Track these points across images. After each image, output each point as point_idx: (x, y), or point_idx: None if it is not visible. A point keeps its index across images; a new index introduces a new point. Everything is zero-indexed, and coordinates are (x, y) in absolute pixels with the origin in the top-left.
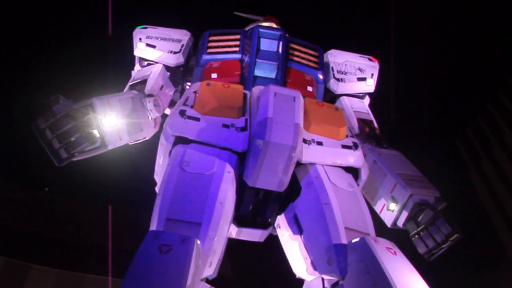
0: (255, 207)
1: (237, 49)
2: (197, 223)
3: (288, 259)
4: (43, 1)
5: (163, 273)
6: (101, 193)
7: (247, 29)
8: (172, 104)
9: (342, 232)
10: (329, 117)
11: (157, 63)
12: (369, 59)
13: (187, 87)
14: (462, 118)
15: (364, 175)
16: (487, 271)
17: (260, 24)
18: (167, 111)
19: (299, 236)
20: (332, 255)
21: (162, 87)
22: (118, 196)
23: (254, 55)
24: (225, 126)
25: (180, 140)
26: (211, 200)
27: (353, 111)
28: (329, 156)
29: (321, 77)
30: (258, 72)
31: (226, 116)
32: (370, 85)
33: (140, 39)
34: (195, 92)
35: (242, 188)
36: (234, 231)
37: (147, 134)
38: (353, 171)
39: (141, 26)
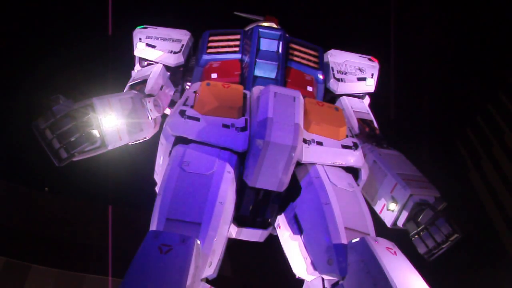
0: (255, 207)
1: (237, 49)
2: (197, 223)
3: (288, 259)
4: (43, 1)
5: (163, 273)
6: (101, 193)
7: (247, 29)
8: (172, 104)
9: (342, 232)
10: (329, 117)
11: (157, 63)
12: (369, 59)
13: (187, 87)
14: (462, 118)
15: (364, 175)
16: (487, 271)
17: (260, 24)
18: (167, 111)
19: (299, 236)
20: (332, 255)
21: (162, 87)
22: (118, 196)
23: (254, 55)
24: (225, 126)
25: (180, 140)
26: (211, 200)
27: (353, 111)
28: (329, 156)
29: (321, 77)
30: (258, 72)
31: (226, 116)
32: (370, 85)
33: (140, 39)
34: (195, 92)
35: (242, 188)
36: (234, 231)
37: (147, 134)
38: (353, 171)
39: (141, 26)
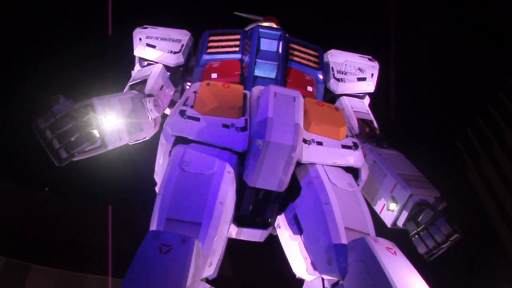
0: (255, 207)
1: (237, 49)
2: (197, 223)
3: (288, 259)
4: (43, 1)
5: (163, 273)
6: (101, 193)
7: (247, 29)
8: (172, 104)
9: (342, 232)
10: (329, 117)
11: (157, 63)
12: (369, 59)
13: (187, 87)
14: (462, 118)
15: (364, 175)
16: (487, 271)
17: (260, 24)
18: (167, 111)
19: (299, 236)
20: (332, 255)
21: (162, 87)
22: (118, 196)
23: (254, 55)
24: (225, 126)
25: (180, 140)
26: (211, 200)
27: (353, 111)
28: (329, 156)
29: (321, 77)
30: (258, 72)
31: (226, 116)
32: (370, 85)
33: (140, 39)
34: (195, 92)
35: (242, 188)
36: (234, 231)
37: (147, 134)
38: (353, 171)
39: (141, 26)
